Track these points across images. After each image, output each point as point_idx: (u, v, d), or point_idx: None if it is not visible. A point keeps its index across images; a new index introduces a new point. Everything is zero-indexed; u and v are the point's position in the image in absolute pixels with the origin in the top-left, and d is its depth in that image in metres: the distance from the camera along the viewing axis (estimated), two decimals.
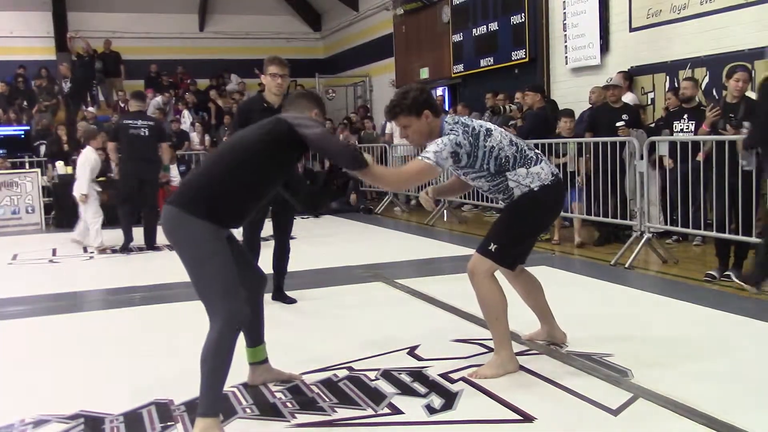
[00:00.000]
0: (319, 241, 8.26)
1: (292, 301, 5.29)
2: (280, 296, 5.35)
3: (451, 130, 3.53)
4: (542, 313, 4.11)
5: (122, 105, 15.08)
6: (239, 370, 3.70)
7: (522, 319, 4.60)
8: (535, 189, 3.61)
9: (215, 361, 2.89)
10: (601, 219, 7.27)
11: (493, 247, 3.62)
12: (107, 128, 9.73)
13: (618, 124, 7.44)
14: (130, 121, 8.20)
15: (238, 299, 2.96)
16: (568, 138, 7.84)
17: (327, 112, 15.59)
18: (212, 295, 2.94)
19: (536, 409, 3.10)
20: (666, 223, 6.88)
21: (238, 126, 5.13)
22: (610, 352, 3.84)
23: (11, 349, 4.51)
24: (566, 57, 10.22)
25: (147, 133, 8.13)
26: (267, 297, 5.32)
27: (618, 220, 7.14)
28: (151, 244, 8.30)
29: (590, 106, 8.78)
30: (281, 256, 5.32)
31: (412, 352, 3.98)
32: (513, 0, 11.23)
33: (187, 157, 13.02)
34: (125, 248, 8.25)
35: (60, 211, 11.25)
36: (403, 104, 3.56)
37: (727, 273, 5.69)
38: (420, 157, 3.48)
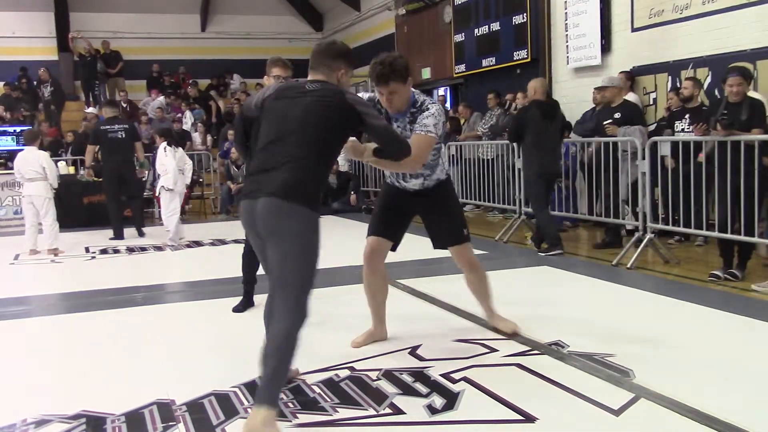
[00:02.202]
0: (321, 241, 8.23)
1: None
2: None
3: (424, 100, 3.80)
4: (382, 314, 4.23)
5: (124, 105, 15.09)
6: (241, 371, 3.71)
7: (524, 320, 4.61)
8: (449, 173, 4.13)
9: (286, 354, 2.87)
10: (603, 219, 7.26)
11: (465, 231, 4.07)
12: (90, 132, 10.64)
13: (606, 122, 7.49)
14: (107, 127, 9.21)
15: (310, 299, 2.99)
16: (577, 138, 7.85)
17: None
18: (297, 288, 2.93)
19: (538, 410, 3.10)
20: (668, 224, 6.88)
21: (240, 125, 5.12)
22: (611, 352, 3.83)
23: (12, 349, 4.51)
24: (568, 57, 10.21)
25: (124, 136, 9.18)
26: None
27: (620, 220, 7.14)
28: (141, 230, 9.46)
29: (593, 106, 8.78)
30: None
31: (413, 352, 3.98)
32: (514, 0, 11.22)
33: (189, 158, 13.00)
34: (118, 236, 9.32)
35: (63, 211, 11.23)
36: (397, 70, 3.65)
37: (731, 271, 5.69)
38: (422, 132, 3.64)
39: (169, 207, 8.65)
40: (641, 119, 7.39)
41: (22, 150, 8.78)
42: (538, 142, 7.05)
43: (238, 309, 5.13)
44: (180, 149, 8.90)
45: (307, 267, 2.97)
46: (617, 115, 7.30)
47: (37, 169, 8.26)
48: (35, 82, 15.85)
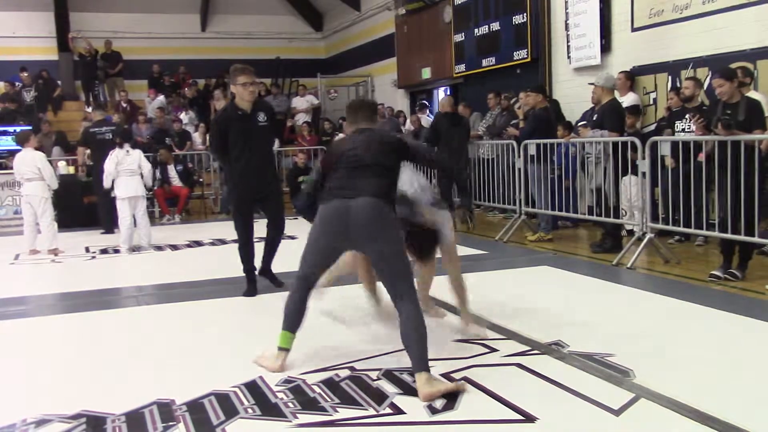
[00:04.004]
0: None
1: (280, 283, 5.70)
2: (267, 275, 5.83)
3: None
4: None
5: (124, 105, 15.06)
6: (241, 371, 3.71)
7: (524, 320, 4.61)
8: None
9: (424, 328, 3.44)
10: (603, 219, 7.26)
11: None
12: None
13: (580, 123, 7.54)
14: (96, 129, 9.90)
15: None
16: (575, 138, 7.87)
17: (328, 112, 15.60)
18: (410, 279, 3.57)
19: (538, 410, 3.10)
20: (668, 223, 6.88)
21: (218, 134, 5.57)
22: (611, 352, 3.84)
23: (12, 349, 4.51)
24: (569, 57, 10.20)
25: (111, 137, 9.64)
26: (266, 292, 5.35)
27: (619, 220, 7.14)
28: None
29: (592, 105, 8.79)
30: (275, 239, 5.77)
31: None
32: (514, 0, 11.22)
33: (189, 157, 13.01)
34: (108, 231, 9.88)
35: (63, 211, 11.28)
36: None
37: (730, 271, 5.69)
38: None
39: (121, 211, 8.47)
40: (612, 122, 7.11)
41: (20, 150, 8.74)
42: (449, 144, 9.07)
43: (250, 293, 5.66)
44: (136, 151, 8.70)
45: (407, 260, 3.68)
46: (596, 117, 7.35)
47: (33, 170, 8.22)
48: (20, 85, 15.58)
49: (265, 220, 5.83)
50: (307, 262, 3.74)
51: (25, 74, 15.59)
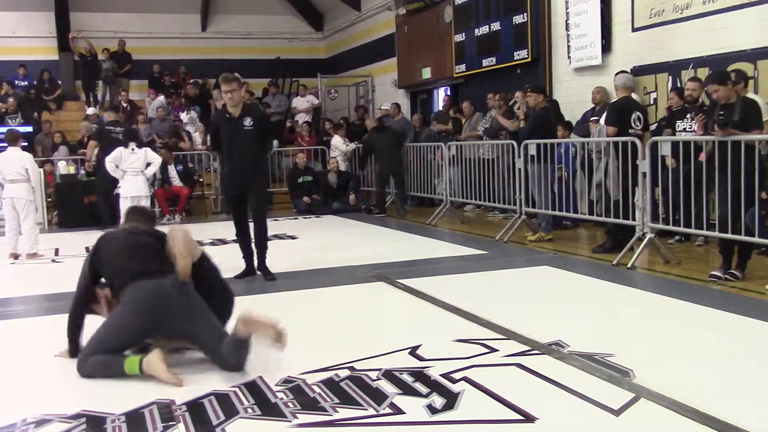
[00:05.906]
0: (321, 241, 8.26)
1: (273, 278, 6.17)
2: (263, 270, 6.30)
3: None
4: None
5: (124, 105, 15.04)
6: (241, 371, 3.71)
7: (524, 320, 4.61)
8: None
9: None
10: (603, 219, 7.25)
11: None
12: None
13: (592, 118, 7.58)
14: (111, 128, 10.40)
15: None
16: (576, 138, 7.89)
17: (328, 112, 16.01)
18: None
19: (538, 410, 3.09)
20: (668, 223, 6.88)
21: (213, 133, 6.40)
22: (611, 352, 3.84)
23: (12, 349, 4.51)
24: (569, 57, 10.20)
25: (122, 137, 9.97)
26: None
27: (620, 220, 7.13)
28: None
29: (593, 106, 8.79)
30: (258, 228, 6.24)
31: (413, 352, 3.98)
32: (515, 0, 11.22)
33: (189, 157, 13.02)
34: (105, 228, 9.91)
35: (63, 211, 11.31)
36: None
37: (730, 271, 5.69)
38: None
39: (123, 210, 8.35)
40: (610, 118, 7.16)
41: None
42: (381, 151, 11.51)
43: (242, 275, 6.22)
44: (142, 149, 8.63)
45: None
46: (606, 114, 7.42)
47: (19, 171, 7.98)
48: (5, 108, 14.55)
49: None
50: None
51: (11, 100, 14.50)
